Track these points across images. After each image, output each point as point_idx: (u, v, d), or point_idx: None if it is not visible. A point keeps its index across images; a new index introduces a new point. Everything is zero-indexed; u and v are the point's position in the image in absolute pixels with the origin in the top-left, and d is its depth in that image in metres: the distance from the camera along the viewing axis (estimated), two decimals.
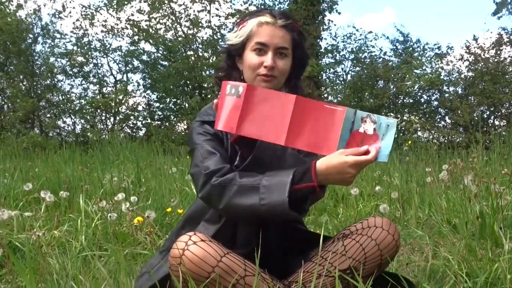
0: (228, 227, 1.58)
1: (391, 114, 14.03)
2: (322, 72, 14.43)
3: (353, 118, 1.40)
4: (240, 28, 1.64)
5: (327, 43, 16.44)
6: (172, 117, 15.67)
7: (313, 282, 1.25)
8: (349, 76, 16.02)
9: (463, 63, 14.00)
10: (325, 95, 15.17)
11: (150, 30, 15.23)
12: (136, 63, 15.95)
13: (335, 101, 14.95)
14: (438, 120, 13.95)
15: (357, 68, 15.66)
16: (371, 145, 1.40)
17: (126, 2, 14.88)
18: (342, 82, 16.23)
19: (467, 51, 13.88)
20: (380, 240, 1.56)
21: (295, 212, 1.42)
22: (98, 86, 15.72)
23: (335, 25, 19.47)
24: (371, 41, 16.57)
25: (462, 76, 13.90)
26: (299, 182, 1.43)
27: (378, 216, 1.63)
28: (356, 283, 1.27)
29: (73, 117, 15.19)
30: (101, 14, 15.46)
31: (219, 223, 1.58)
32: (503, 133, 7.40)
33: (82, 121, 15.26)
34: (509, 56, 13.60)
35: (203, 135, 1.62)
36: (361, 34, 16.48)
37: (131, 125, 15.66)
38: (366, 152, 1.40)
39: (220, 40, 15.08)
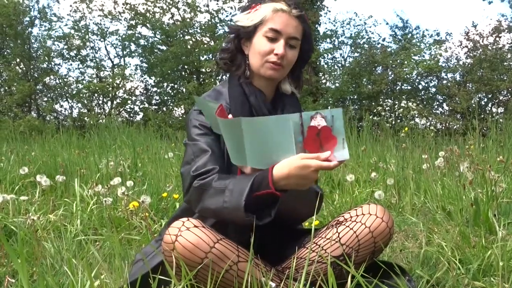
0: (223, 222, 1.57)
1: (389, 100, 14.00)
2: (320, 58, 14.38)
3: (300, 121, 1.33)
4: (253, 11, 1.61)
5: (326, 28, 16.37)
6: (170, 101, 15.61)
7: (305, 269, 1.26)
8: (347, 61, 15.97)
9: (461, 50, 14.04)
10: (323, 81, 15.13)
11: (148, 14, 15.12)
12: (133, 47, 15.88)
13: (333, 87, 14.90)
14: (436, 106, 13.94)
15: (356, 54, 15.60)
16: (329, 142, 1.34)
17: None
18: (340, 68, 16.18)
19: (466, 37, 13.85)
20: (374, 228, 1.56)
21: (257, 218, 1.41)
22: (95, 70, 15.66)
23: (329, 11, 19.31)
24: (370, 26, 16.53)
25: (461, 62, 13.88)
26: (259, 189, 1.41)
27: (373, 203, 1.63)
28: (348, 269, 1.27)
29: (70, 101, 15.17)
30: None
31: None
32: (500, 120, 7.40)
33: (79, 105, 15.23)
34: (507, 43, 13.57)
35: (198, 129, 1.61)
36: (360, 20, 16.44)
37: (128, 110, 15.66)
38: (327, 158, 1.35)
39: (218, 24, 14.99)
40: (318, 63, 13.82)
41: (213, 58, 13.84)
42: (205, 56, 14.82)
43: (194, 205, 1.54)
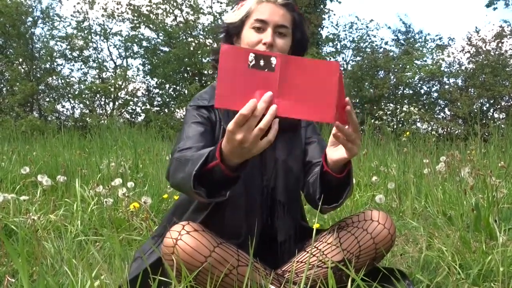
0: (216, 216, 1.54)
1: (391, 104, 14.01)
2: None
3: None
4: (239, 7, 1.61)
5: (329, 32, 16.38)
6: (171, 103, 15.63)
7: (305, 273, 1.26)
8: (349, 65, 15.98)
9: (464, 55, 14.08)
10: None
11: (151, 15, 15.15)
12: (136, 48, 15.90)
13: None
14: (438, 111, 13.94)
15: (358, 58, 15.61)
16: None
17: None
18: (343, 72, 16.17)
19: (469, 43, 13.87)
20: (375, 234, 1.55)
21: (209, 194, 1.30)
22: (97, 71, 15.68)
23: (334, 14, 19.35)
24: (372, 30, 16.57)
25: (463, 68, 13.91)
26: (212, 160, 1.28)
27: (375, 209, 1.62)
28: (348, 272, 1.27)
29: (72, 102, 15.18)
30: None
31: (207, 210, 1.54)
32: (502, 126, 7.39)
33: (81, 105, 15.24)
34: (510, 49, 13.59)
35: (195, 117, 1.60)
36: (362, 24, 16.47)
37: (130, 111, 15.66)
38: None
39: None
40: None
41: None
42: (207, 58, 14.83)
43: (170, 178, 1.47)
